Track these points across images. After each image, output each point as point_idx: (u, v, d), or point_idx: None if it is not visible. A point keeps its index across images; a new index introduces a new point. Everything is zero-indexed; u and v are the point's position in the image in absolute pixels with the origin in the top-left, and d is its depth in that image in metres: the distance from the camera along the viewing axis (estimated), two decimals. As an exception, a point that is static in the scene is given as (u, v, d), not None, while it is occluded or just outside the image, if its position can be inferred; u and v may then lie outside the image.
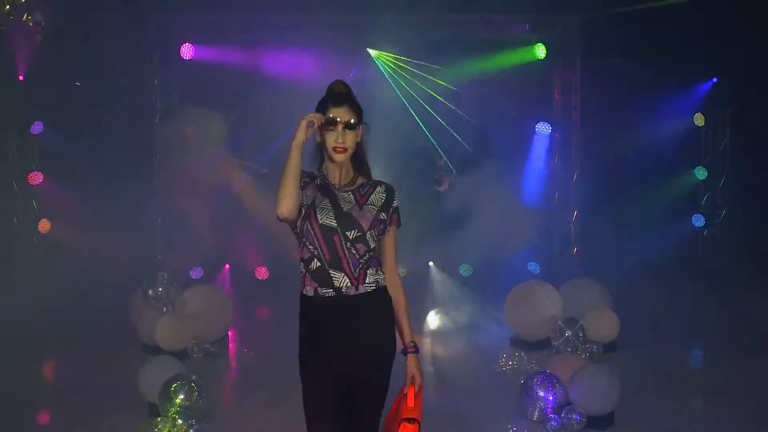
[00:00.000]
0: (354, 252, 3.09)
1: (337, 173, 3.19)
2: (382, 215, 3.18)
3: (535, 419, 5.20)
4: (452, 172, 11.05)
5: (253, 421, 5.42)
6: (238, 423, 5.38)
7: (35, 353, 7.38)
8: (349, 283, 3.08)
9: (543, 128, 10.75)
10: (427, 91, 10.66)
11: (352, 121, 3.11)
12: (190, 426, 4.95)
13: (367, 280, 3.11)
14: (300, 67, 10.04)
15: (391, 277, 3.23)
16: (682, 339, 7.63)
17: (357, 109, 3.16)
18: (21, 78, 10.22)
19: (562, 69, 10.78)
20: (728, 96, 10.77)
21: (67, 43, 9.05)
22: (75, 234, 10.17)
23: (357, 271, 3.09)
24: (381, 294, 3.17)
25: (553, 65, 10.85)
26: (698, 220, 11.13)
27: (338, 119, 3.09)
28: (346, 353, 3.08)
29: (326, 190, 3.17)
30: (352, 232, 3.10)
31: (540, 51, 10.55)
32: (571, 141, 10.83)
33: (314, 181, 3.19)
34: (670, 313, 8.62)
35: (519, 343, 7.25)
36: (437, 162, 11.08)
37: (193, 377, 5.21)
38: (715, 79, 10.88)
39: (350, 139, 3.12)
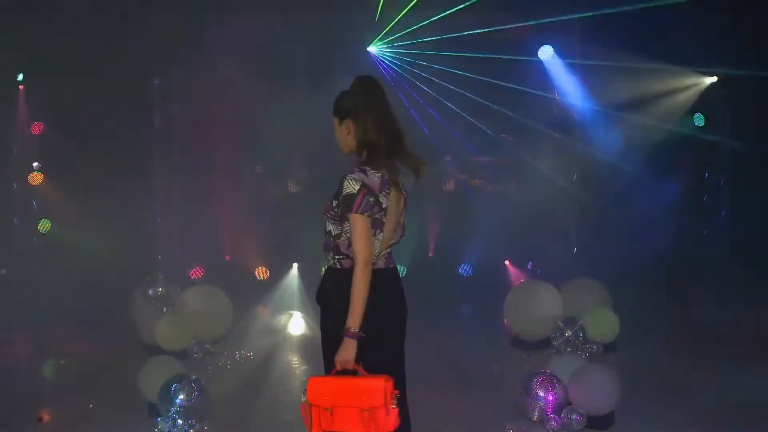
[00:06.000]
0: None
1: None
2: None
3: (535, 419, 5.20)
4: (456, 170, 11.05)
5: (253, 422, 5.41)
6: (238, 423, 5.37)
7: (35, 353, 7.39)
8: None
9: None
10: (428, 92, 10.67)
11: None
12: (190, 426, 4.95)
13: None
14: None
15: None
16: (682, 339, 7.62)
17: (335, 110, 3.38)
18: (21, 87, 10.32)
19: (562, 69, 10.77)
20: (728, 96, 10.76)
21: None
22: (75, 234, 10.17)
23: None
24: None
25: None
26: (697, 219, 11.13)
27: None
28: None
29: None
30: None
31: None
32: (572, 141, 10.83)
33: (384, 178, 3.38)
34: (670, 313, 8.62)
35: (519, 343, 7.25)
36: (442, 161, 11.07)
37: (193, 377, 5.20)
38: (715, 79, 10.88)
39: (337, 136, 3.41)
